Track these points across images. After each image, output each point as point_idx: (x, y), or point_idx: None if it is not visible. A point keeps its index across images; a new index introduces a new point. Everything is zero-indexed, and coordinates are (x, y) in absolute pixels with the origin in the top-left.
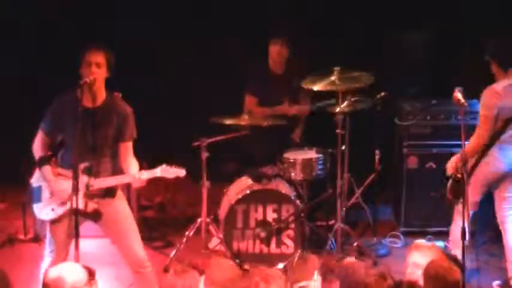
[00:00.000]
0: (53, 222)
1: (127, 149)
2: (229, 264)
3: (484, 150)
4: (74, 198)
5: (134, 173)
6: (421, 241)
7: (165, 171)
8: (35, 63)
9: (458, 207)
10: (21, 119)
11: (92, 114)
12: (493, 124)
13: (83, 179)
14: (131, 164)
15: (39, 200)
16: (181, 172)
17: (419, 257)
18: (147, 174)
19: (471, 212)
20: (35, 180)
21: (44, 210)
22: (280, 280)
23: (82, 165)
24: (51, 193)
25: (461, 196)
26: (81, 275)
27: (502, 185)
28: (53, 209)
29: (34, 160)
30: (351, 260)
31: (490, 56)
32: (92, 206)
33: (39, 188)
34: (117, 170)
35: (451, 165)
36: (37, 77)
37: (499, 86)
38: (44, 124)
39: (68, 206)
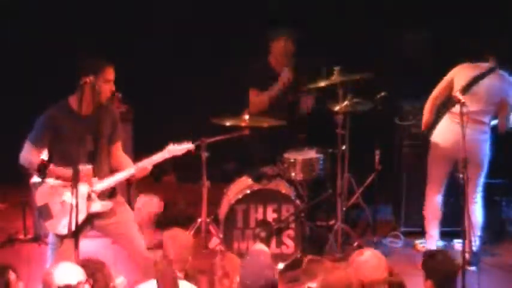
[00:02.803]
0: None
1: (119, 148)
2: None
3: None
4: (74, 199)
5: (137, 164)
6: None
7: (173, 151)
8: (35, 64)
9: (429, 185)
10: (21, 119)
11: (89, 119)
12: (444, 87)
13: (92, 181)
14: (125, 159)
15: (49, 217)
16: (189, 146)
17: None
18: (150, 161)
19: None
20: (39, 199)
21: (62, 224)
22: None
23: (86, 169)
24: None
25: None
26: (71, 278)
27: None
28: None
29: (27, 171)
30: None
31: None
32: (106, 205)
33: (46, 205)
34: (113, 169)
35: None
36: (37, 77)
37: (469, 62)
38: (36, 139)
39: (84, 213)
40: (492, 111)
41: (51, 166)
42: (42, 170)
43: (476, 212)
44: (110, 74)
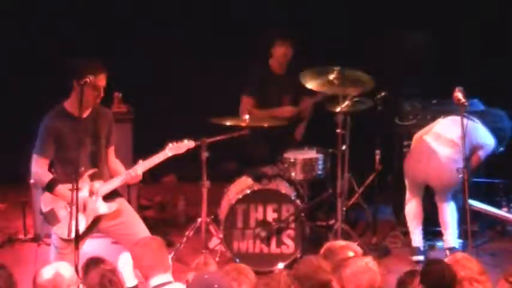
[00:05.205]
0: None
1: (113, 152)
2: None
3: None
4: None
5: (130, 170)
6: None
7: (175, 149)
8: (34, 64)
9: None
10: (20, 119)
11: (87, 121)
12: None
13: (95, 185)
14: (117, 164)
15: (57, 221)
16: (190, 144)
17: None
18: (152, 161)
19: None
20: (44, 205)
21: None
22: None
23: (89, 172)
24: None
25: None
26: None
27: None
28: None
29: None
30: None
31: None
32: (113, 206)
33: (52, 210)
34: (111, 173)
35: None
36: (36, 77)
37: None
38: (41, 150)
39: (91, 216)
40: None
41: (58, 187)
42: (51, 187)
43: (448, 211)
44: (100, 80)
